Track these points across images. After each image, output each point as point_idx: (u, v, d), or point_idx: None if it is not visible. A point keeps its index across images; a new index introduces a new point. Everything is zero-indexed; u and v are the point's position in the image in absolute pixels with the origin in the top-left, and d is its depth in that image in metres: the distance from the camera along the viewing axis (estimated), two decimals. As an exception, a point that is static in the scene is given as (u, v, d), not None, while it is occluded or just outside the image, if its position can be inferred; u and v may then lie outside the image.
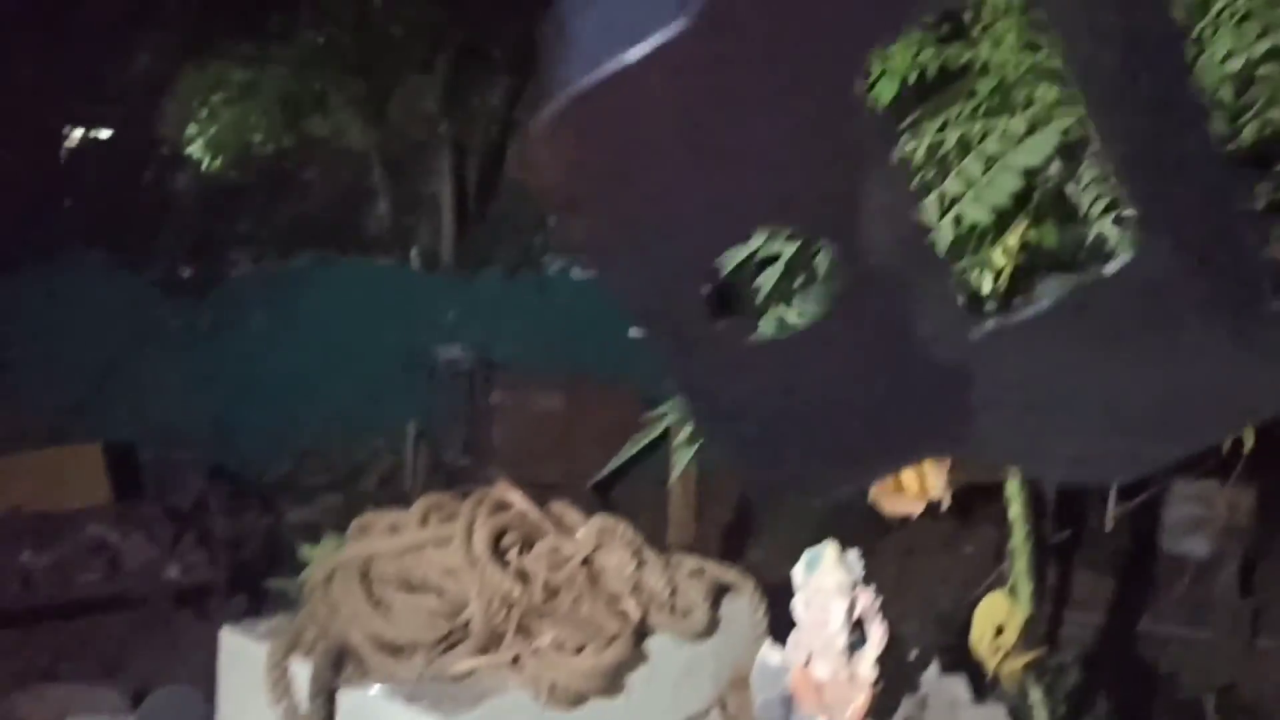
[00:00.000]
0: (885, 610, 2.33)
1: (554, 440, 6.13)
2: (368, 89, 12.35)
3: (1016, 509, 2.26)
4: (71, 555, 5.17)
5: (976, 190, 1.33)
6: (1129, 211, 1.33)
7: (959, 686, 2.52)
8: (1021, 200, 1.83)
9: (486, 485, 2.41)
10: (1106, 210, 1.28)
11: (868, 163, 0.36)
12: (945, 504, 2.66)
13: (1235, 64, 1.24)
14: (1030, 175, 1.40)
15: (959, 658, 2.57)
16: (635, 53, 0.34)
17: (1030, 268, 2.21)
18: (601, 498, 6.40)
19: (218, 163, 11.92)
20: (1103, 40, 0.33)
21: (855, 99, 0.35)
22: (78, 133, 9.73)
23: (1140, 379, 0.42)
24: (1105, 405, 0.42)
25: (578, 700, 2.04)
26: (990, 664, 2.01)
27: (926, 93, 1.79)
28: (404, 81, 12.34)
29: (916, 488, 2.69)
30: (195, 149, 11.88)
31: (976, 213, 1.33)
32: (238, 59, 11.60)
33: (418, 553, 2.18)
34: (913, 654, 2.62)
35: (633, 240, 0.37)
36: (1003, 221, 1.68)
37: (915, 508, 2.70)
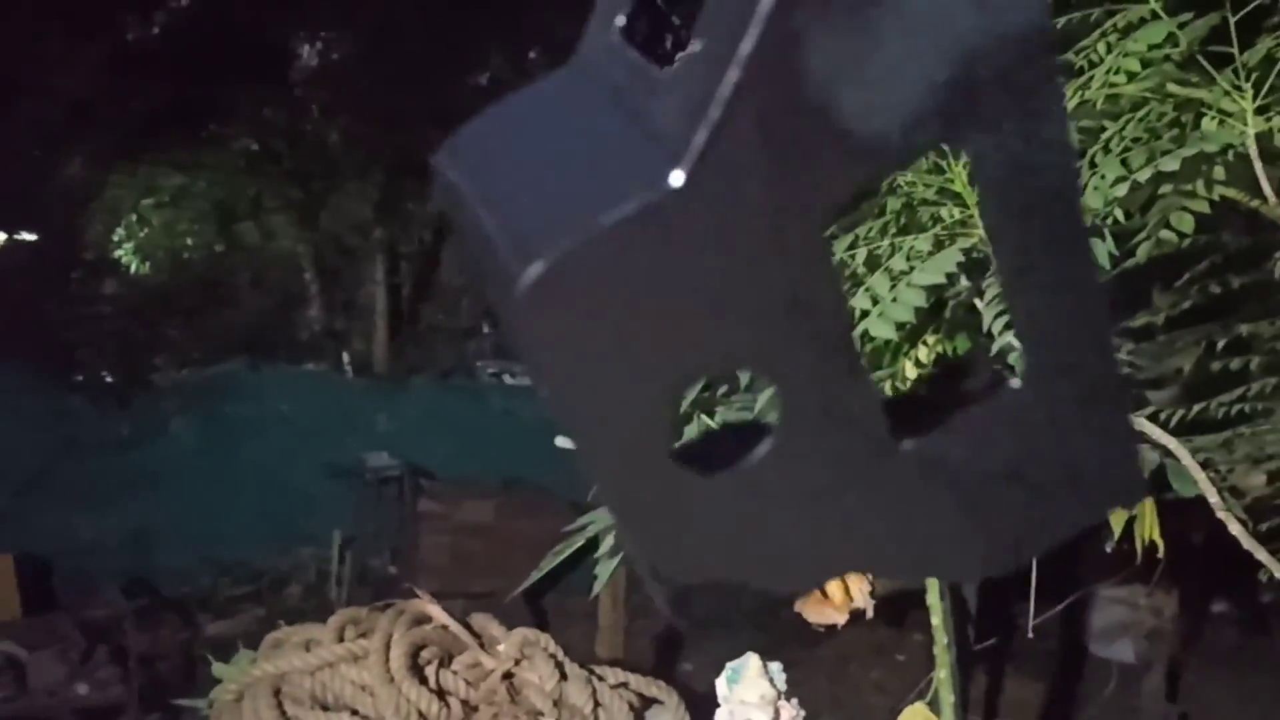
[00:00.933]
0: (820, 714, 2.31)
1: (484, 550, 6.05)
2: (302, 195, 12.41)
3: (937, 618, 2.27)
4: (-26, 673, 4.94)
5: (882, 307, 1.37)
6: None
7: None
8: (934, 313, 1.89)
9: (413, 595, 2.38)
10: (1006, 326, 1.33)
11: (819, 308, 0.37)
12: (869, 613, 2.67)
13: (1122, 189, 1.31)
14: (934, 292, 1.45)
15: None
16: (627, 209, 0.34)
17: (946, 377, 2.27)
18: (531, 608, 6.30)
19: (146, 268, 11.84)
20: (1004, 170, 0.36)
21: (823, 249, 0.36)
22: (0, 238, 9.60)
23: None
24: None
25: (496, 822, 1.98)
26: (911, 776, 2.00)
27: (840, 211, 1.85)
28: (338, 188, 12.43)
29: (840, 597, 2.70)
30: (124, 254, 11.79)
31: (882, 329, 1.37)
32: (170, 164, 11.61)
33: (332, 670, 2.13)
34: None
35: (599, 392, 0.38)
36: (913, 334, 1.73)
37: (840, 617, 2.71)
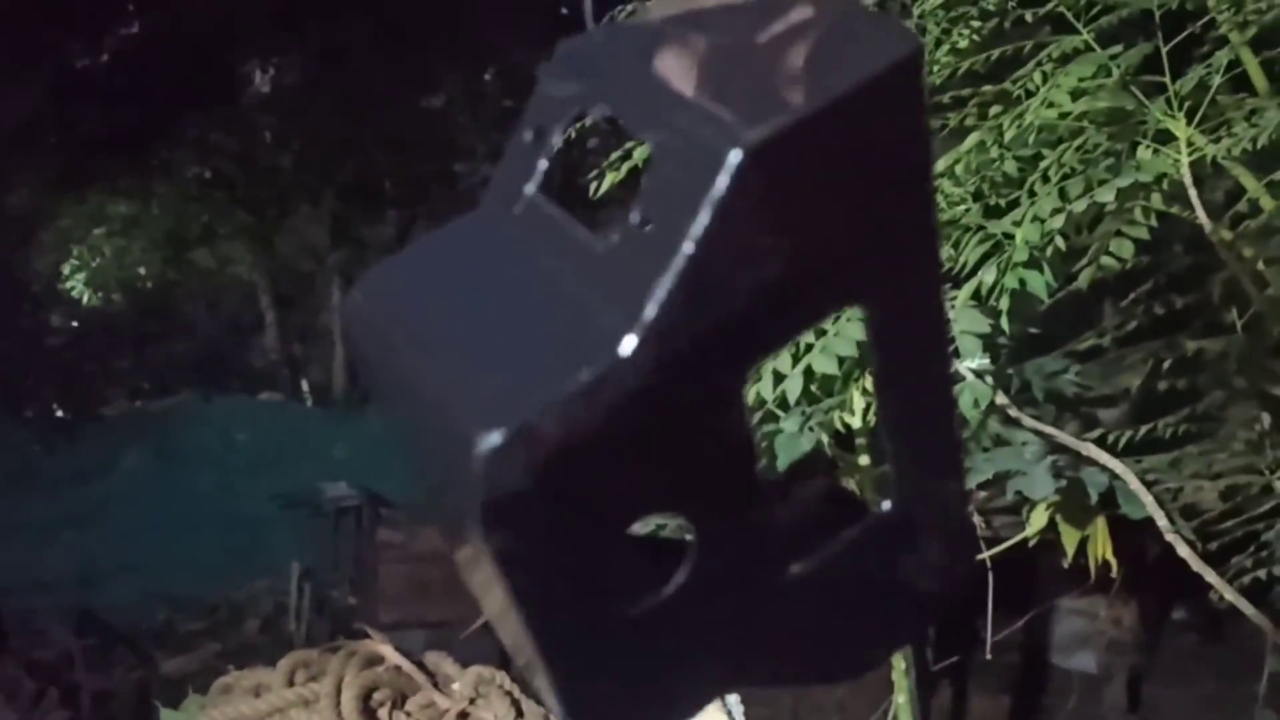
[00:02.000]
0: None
1: (443, 578, 5.98)
2: (255, 221, 12.30)
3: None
4: (-81, 721, 4.82)
5: (824, 342, 1.37)
6: (969, 363, 1.38)
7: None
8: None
9: (365, 635, 2.34)
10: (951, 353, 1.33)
11: (738, 448, 0.41)
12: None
13: (1059, 221, 1.31)
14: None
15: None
16: (582, 377, 0.36)
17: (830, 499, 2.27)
18: (493, 637, 6.23)
19: (97, 298, 11.67)
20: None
21: (743, 394, 0.40)
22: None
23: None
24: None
25: None
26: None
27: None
28: (291, 213, 12.33)
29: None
30: (74, 285, 11.63)
31: (824, 364, 1.37)
32: (119, 192, 11.48)
33: (283, 715, 2.09)
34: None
35: (549, 545, 0.40)
36: (860, 362, 1.72)
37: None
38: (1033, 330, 2.10)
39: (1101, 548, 2.25)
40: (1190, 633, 6.67)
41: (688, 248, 0.36)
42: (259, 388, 10.70)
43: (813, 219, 0.38)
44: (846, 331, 1.35)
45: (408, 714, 2.16)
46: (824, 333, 1.38)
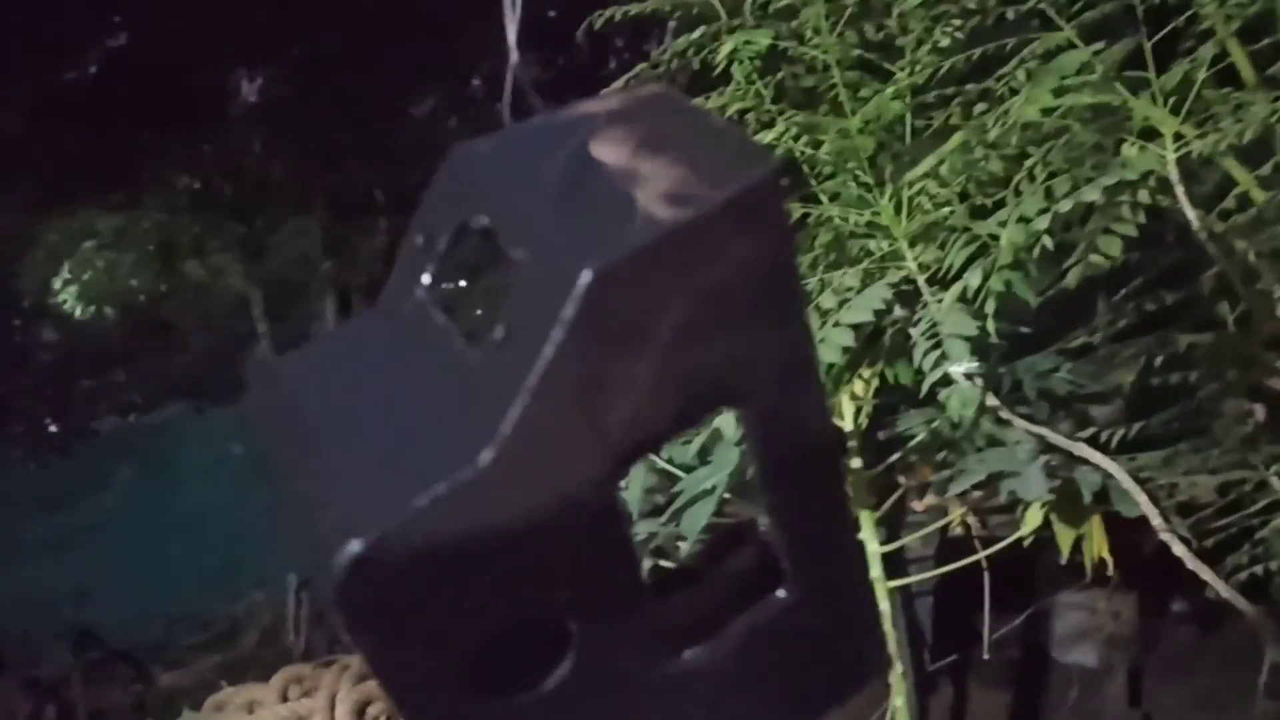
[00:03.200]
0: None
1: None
2: (246, 232, 12.27)
3: (890, 645, 2.25)
4: (-86, 744, 4.79)
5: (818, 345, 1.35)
6: (957, 366, 1.37)
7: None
8: (870, 342, 1.88)
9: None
10: (939, 359, 1.32)
11: (611, 548, 0.43)
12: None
13: (1044, 222, 1.30)
14: (861, 329, 1.44)
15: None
16: (440, 489, 0.38)
17: (893, 404, 2.27)
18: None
19: (89, 312, 11.63)
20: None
21: (614, 501, 0.42)
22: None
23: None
24: None
25: None
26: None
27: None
28: (282, 224, 12.30)
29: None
30: (65, 299, 11.58)
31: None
32: (108, 206, 11.44)
33: (276, 732, 2.07)
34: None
35: (413, 653, 0.41)
36: (850, 365, 1.71)
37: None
38: (1024, 329, 2.09)
39: (1097, 546, 2.25)
40: (1190, 625, 6.66)
41: (542, 366, 0.38)
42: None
43: (674, 334, 0.39)
44: (832, 338, 1.34)
45: (403, 729, 2.14)
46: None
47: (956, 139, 1.46)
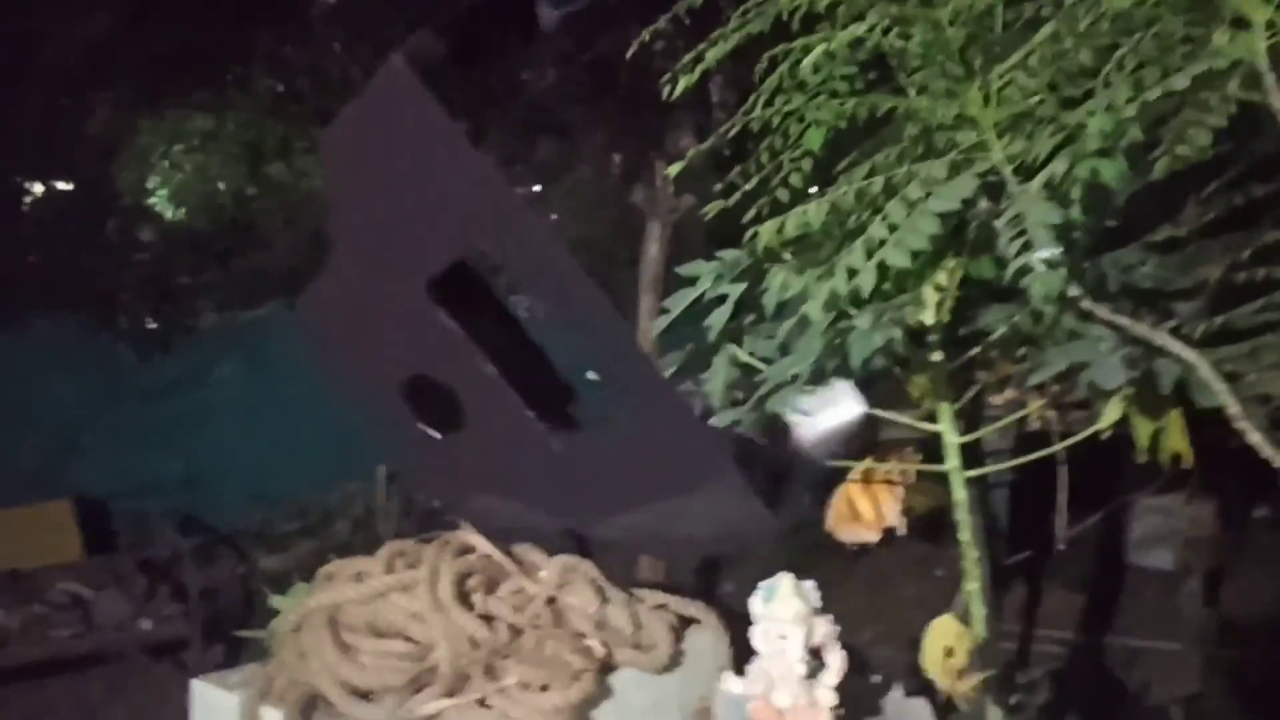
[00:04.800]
0: (857, 637, 2.37)
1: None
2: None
3: (965, 534, 2.32)
4: (44, 612, 5.15)
5: (898, 235, 1.40)
6: (1040, 254, 1.41)
7: (922, 709, 2.57)
8: (954, 235, 1.92)
9: (455, 527, 2.46)
10: (1023, 248, 1.35)
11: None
12: (901, 529, 2.73)
13: (1132, 109, 1.31)
14: (953, 216, 1.48)
15: (926, 682, 2.63)
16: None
17: (975, 298, 2.30)
18: (573, 538, 6.41)
19: (181, 213, 11.92)
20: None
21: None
22: (37, 189, 9.72)
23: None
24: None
25: (545, 738, 2.08)
26: (942, 684, 2.07)
27: (861, 137, 1.88)
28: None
29: (872, 515, 2.76)
30: (158, 200, 11.88)
31: (897, 258, 1.40)
32: (196, 108, 11.63)
33: (384, 599, 2.22)
34: (877, 679, 2.68)
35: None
36: (934, 258, 1.76)
37: (872, 535, 2.77)
38: (1110, 223, 2.10)
39: (1175, 440, 2.27)
40: (1272, 529, 6.63)
41: None
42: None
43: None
44: (921, 225, 1.38)
45: (499, 599, 2.28)
46: (896, 227, 1.41)
47: (1046, 30, 1.48)
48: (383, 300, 0.74)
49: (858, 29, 1.47)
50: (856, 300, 1.61)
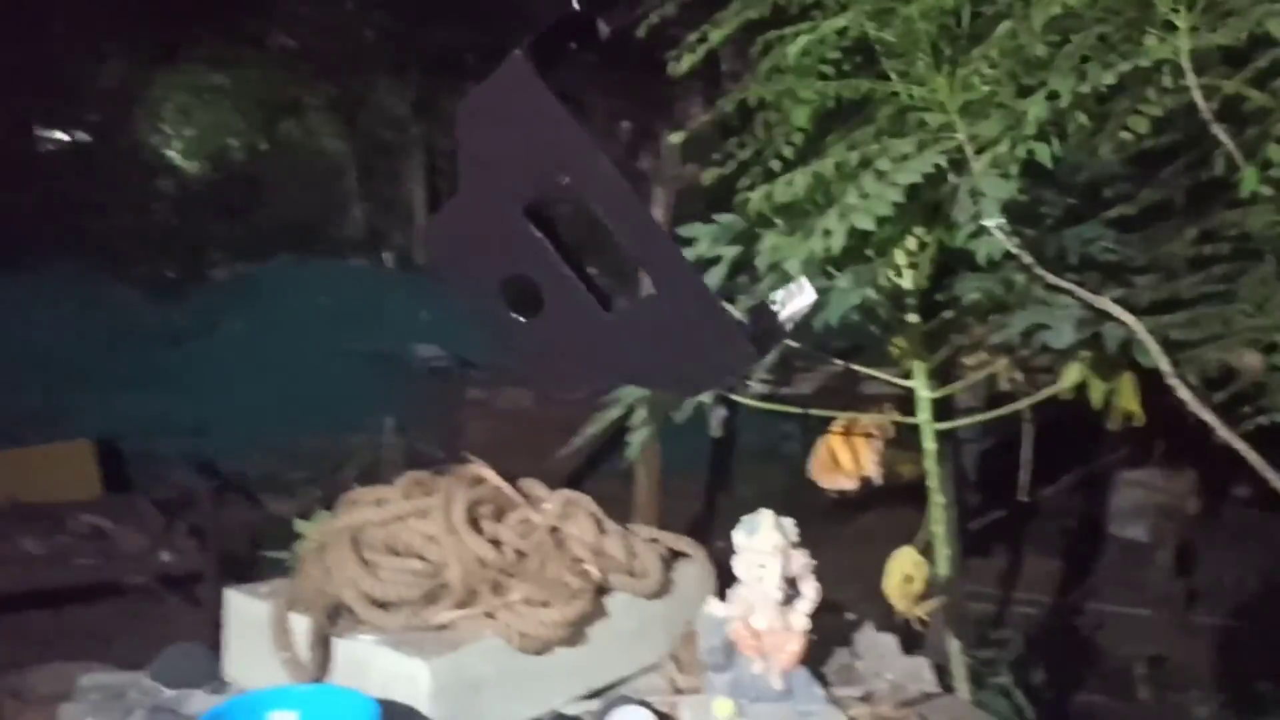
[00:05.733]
0: (840, 588, 2.58)
1: (523, 435, 6.38)
2: (340, 93, 12.55)
3: (933, 481, 2.54)
4: (68, 543, 5.38)
5: (866, 203, 1.60)
6: (987, 221, 1.61)
7: (889, 642, 2.80)
8: (933, 209, 2.12)
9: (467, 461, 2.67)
10: (974, 216, 1.56)
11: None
12: (877, 481, 2.96)
13: (1066, 99, 1.51)
14: (924, 189, 1.68)
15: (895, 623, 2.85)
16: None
17: (953, 267, 2.50)
18: (572, 485, 6.65)
19: (195, 166, 12.09)
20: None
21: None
22: (55, 139, 9.87)
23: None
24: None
25: (544, 648, 2.29)
26: (899, 608, 2.29)
27: (850, 116, 2.08)
28: (376, 85, 12.56)
29: (851, 465, 2.99)
30: (173, 153, 12.05)
31: (863, 221, 1.60)
32: (210, 62, 11.77)
33: (402, 522, 2.42)
34: (852, 617, 2.90)
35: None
36: (903, 226, 1.96)
37: (849, 483, 3.00)
38: (1071, 201, 2.30)
39: (1126, 399, 2.48)
40: (1250, 507, 6.85)
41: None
42: (346, 255, 11.10)
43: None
44: (884, 194, 1.58)
45: (507, 527, 2.49)
46: (867, 196, 1.61)
47: (1004, 27, 1.67)
48: (491, 223, 1.17)
49: (838, 21, 1.66)
50: (831, 260, 1.81)
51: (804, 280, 1.10)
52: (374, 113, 13.15)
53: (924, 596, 2.31)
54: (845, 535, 6.35)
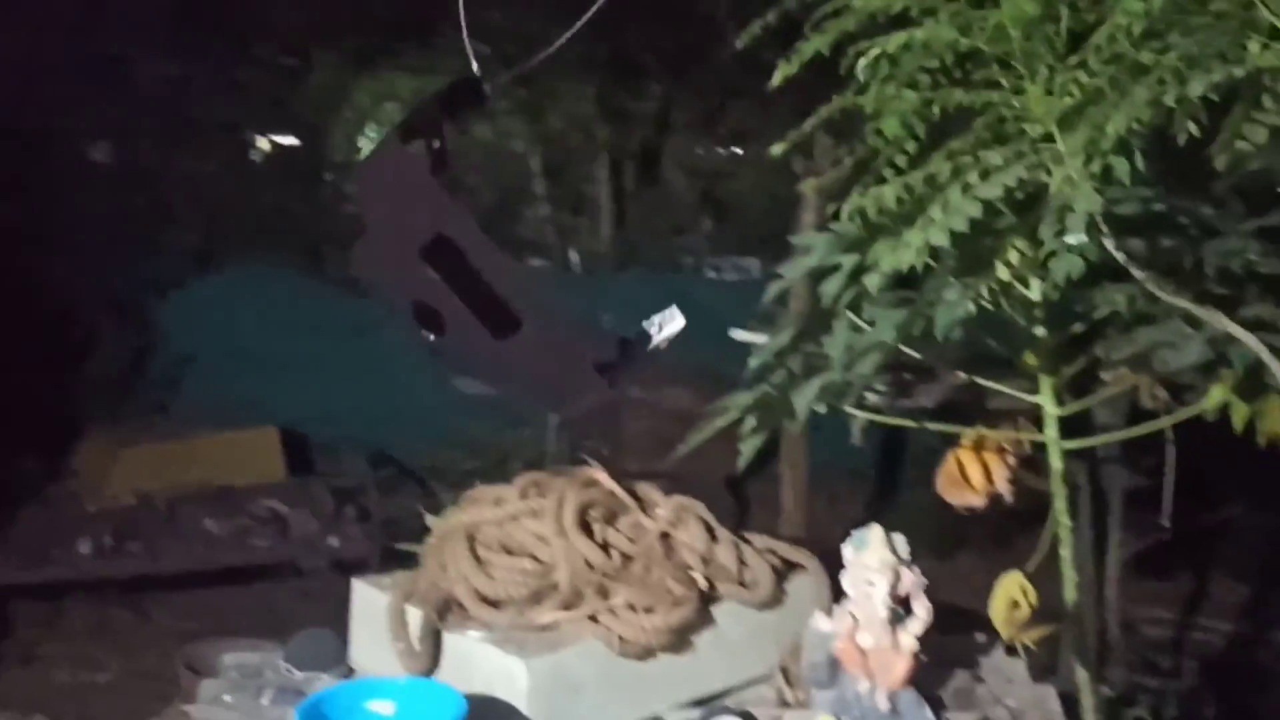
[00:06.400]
0: (973, 601, 2.50)
1: (683, 434, 6.42)
2: (528, 95, 12.89)
3: (1060, 502, 2.43)
4: (246, 524, 5.77)
5: (943, 217, 1.55)
6: (1069, 238, 1.54)
7: (1017, 667, 2.70)
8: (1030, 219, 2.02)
9: (584, 463, 2.72)
10: (1059, 232, 1.48)
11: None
12: (1009, 499, 2.84)
13: (1146, 111, 1.41)
14: (1029, 201, 1.61)
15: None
16: None
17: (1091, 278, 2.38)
18: (731, 490, 6.68)
19: (389, 168, 12.66)
20: None
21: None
22: (263, 143, 10.53)
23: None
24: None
25: (645, 653, 2.32)
26: (1003, 633, 2.20)
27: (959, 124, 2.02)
28: (562, 88, 12.84)
29: (981, 481, 2.88)
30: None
31: (938, 237, 1.55)
32: (407, 69, 12.28)
33: (516, 521, 2.50)
34: (981, 638, 2.81)
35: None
36: (1004, 239, 1.88)
37: (978, 501, 2.89)
38: (1209, 210, 2.16)
39: (1272, 423, 2.31)
40: None
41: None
42: (531, 254, 11.40)
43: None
44: (962, 208, 1.53)
45: (617, 530, 2.53)
46: (948, 209, 1.56)
47: (1103, 31, 1.58)
48: (395, 260, 1.48)
49: (918, 33, 1.61)
50: (912, 274, 1.75)
51: (674, 307, 1.29)
52: (561, 114, 13.44)
53: (1032, 623, 2.21)
54: (990, 552, 6.14)
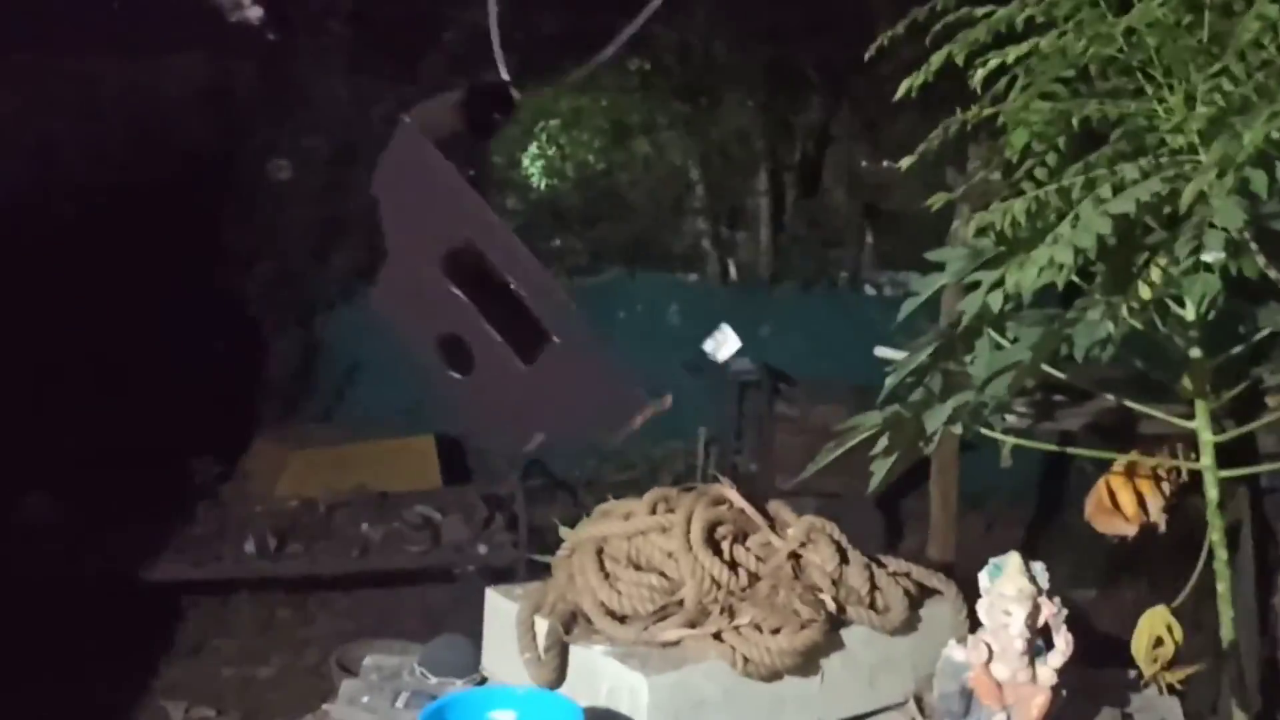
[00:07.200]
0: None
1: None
2: (690, 110, 12.94)
3: (1215, 534, 2.29)
4: (401, 529, 5.95)
5: (1070, 233, 1.47)
6: (1207, 256, 1.45)
7: (1171, 706, 2.54)
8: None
9: (715, 480, 2.71)
10: (1193, 251, 1.39)
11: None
12: (1161, 526, 2.70)
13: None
14: (1135, 221, 1.52)
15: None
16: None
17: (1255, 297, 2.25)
18: (883, 509, 6.53)
19: (548, 184, 12.91)
20: None
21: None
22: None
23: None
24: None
25: (769, 675, 2.29)
26: (1145, 671, 2.08)
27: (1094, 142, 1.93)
28: (723, 101, 12.84)
29: (1132, 509, 2.75)
30: (532, 172, 12.92)
31: (1062, 254, 1.47)
32: (568, 87, 12.50)
33: (644, 536, 2.50)
34: (1134, 673, 2.67)
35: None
36: (1128, 249, 1.78)
37: (1129, 529, 2.75)
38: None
39: None
40: None
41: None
42: (682, 268, 11.44)
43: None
44: (1092, 224, 1.45)
45: (746, 549, 2.50)
46: (1077, 224, 1.48)
47: (1245, 36, 1.47)
48: (419, 284, 1.41)
49: (1041, 42, 1.54)
50: (1072, 291, 1.68)
51: (726, 326, 1.22)
52: (720, 128, 13.44)
53: (1179, 662, 2.09)
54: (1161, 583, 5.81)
